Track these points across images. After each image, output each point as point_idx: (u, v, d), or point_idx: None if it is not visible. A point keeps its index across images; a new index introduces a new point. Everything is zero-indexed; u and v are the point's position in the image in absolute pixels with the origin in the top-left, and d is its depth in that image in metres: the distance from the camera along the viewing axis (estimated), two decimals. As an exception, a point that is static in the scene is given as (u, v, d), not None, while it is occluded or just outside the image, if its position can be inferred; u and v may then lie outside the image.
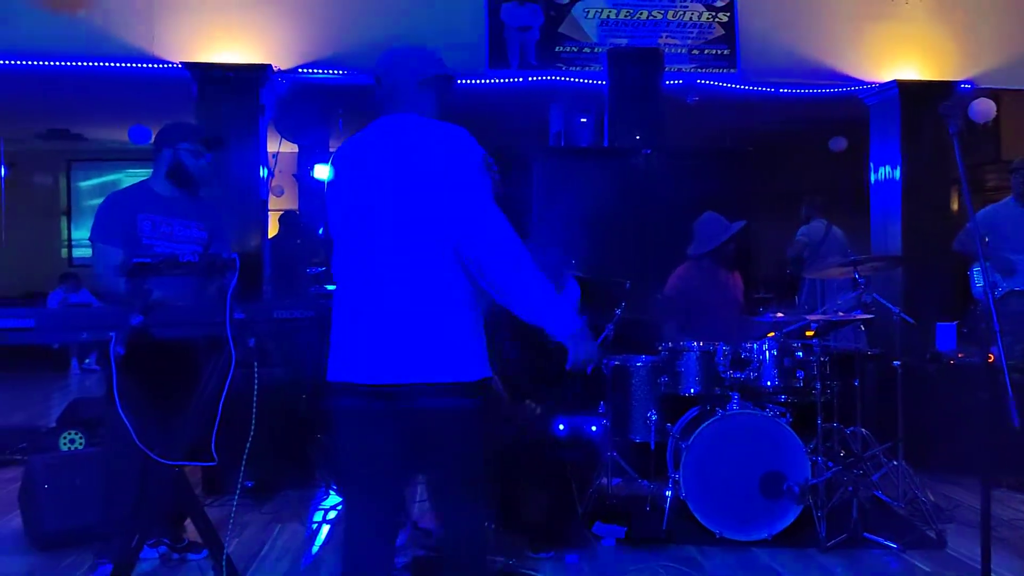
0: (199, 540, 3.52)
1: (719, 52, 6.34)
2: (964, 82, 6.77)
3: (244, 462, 3.18)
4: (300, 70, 6.02)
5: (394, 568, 2.60)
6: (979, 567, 2.59)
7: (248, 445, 3.18)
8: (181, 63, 5.84)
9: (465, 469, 2.35)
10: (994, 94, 7.19)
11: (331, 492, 4.72)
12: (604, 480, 4.34)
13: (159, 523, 3.59)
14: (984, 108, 7.20)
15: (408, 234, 2.27)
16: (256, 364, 3.14)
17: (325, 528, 4.19)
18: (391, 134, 2.39)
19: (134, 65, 5.86)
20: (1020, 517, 4.26)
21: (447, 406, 2.26)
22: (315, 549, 3.91)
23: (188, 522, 3.60)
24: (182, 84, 5.95)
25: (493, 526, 2.57)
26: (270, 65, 5.91)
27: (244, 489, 4.54)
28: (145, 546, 3.51)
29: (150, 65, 5.88)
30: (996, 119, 7.55)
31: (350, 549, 2.43)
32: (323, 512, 4.45)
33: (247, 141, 5.88)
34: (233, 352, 2.98)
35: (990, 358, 2.53)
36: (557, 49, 6.15)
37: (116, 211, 3.55)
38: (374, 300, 2.30)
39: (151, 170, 3.69)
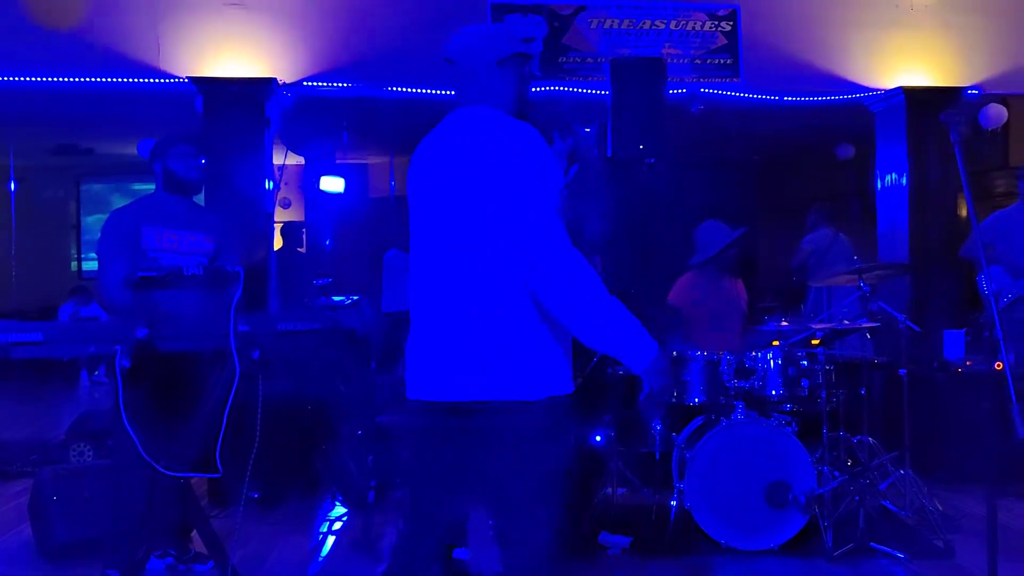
0: (205, 551, 3.53)
1: (722, 61, 6.35)
2: (971, 88, 6.76)
3: (249, 474, 3.21)
4: (305, 83, 6.06)
5: None
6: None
7: (253, 457, 3.20)
8: (188, 77, 5.88)
9: (523, 493, 2.19)
10: (1002, 99, 7.17)
11: (336, 503, 4.73)
12: (609, 490, 4.34)
13: (165, 534, 3.61)
14: (995, 113, 7.18)
15: (467, 245, 2.15)
16: (260, 376, 3.16)
17: (330, 539, 4.19)
18: (456, 135, 2.27)
19: (141, 80, 5.91)
20: (1029, 526, 4.24)
21: (503, 425, 2.14)
22: (320, 560, 3.91)
23: (194, 533, 3.62)
24: (189, 98, 5.99)
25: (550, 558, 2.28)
26: (275, 79, 5.96)
27: (249, 500, 4.58)
28: (152, 557, 3.54)
29: (157, 80, 5.92)
30: (1004, 124, 7.52)
31: (399, 565, 2.35)
32: (328, 523, 4.46)
33: (253, 154, 5.92)
34: (237, 364, 3.00)
35: (997, 366, 2.51)
36: (560, 60, 6.17)
37: (121, 225, 3.59)
38: (435, 313, 2.21)
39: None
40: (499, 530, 2.31)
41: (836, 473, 4.06)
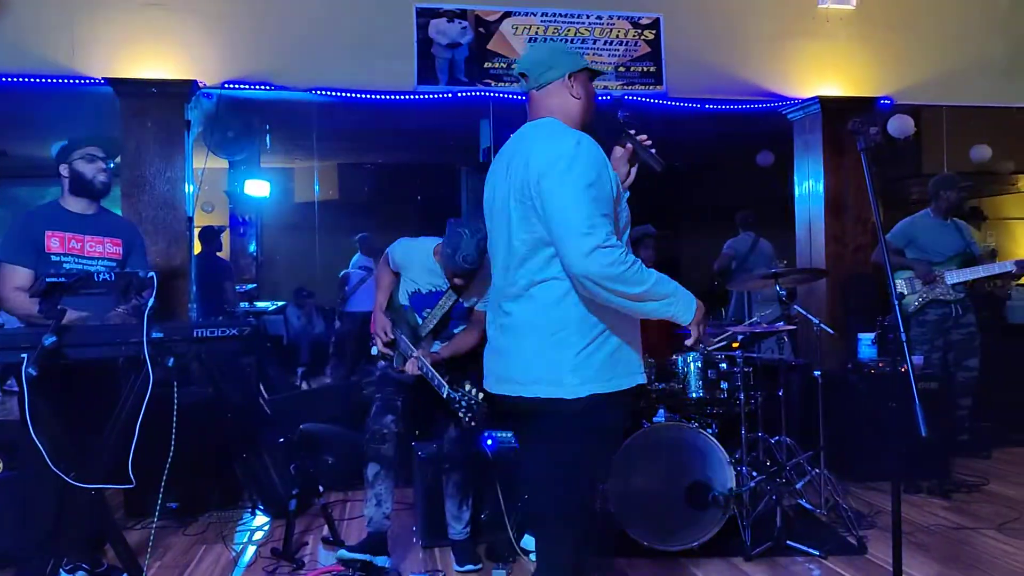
0: (119, 564, 3.43)
1: (645, 69, 6.44)
2: (883, 98, 6.99)
3: (164, 484, 3.13)
4: (227, 85, 5.95)
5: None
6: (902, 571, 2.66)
7: (168, 466, 3.12)
8: (103, 78, 5.72)
9: (552, 490, 2.35)
10: (914, 110, 7.44)
11: (257, 512, 4.65)
12: (534, 494, 4.35)
13: (77, 547, 3.50)
14: (902, 124, 7.44)
15: (516, 252, 2.34)
16: (176, 384, 3.09)
17: (251, 549, 4.11)
18: (522, 145, 2.40)
19: (53, 80, 5.72)
20: (938, 522, 4.39)
21: (539, 423, 2.34)
22: (240, 570, 3.84)
23: (108, 546, 3.51)
24: (105, 99, 5.83)
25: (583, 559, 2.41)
26: (196, 80, 5.83)
27: (168, 511, 4.48)
28: (62, 571, 3.43)
29: (70, 80, 5.74)
30: (916, 134, 7.80)
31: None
32: (248, 533, 4.38)
33: (172, 157, 5.78)
34: (151, 372, 2.93)
35: (903, 368, 2.59)
36: (486, 65, 6.18)
37: (24, 230, 3.49)
38: (494, 314, 2.48)
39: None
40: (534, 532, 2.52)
41: (754, 473, 4.14)
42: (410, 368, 3.65)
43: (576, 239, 2.17)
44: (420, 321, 3.79)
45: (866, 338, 5.27)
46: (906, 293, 5.58)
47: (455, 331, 3.85)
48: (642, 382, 2.41)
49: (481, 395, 3.35)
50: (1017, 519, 4.39)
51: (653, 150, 2.47)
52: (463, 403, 3.37)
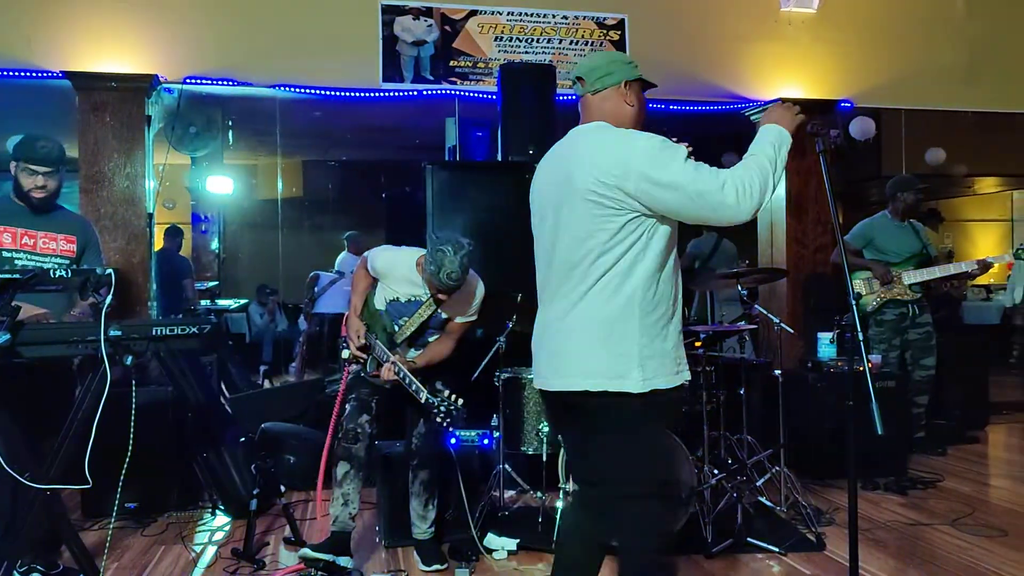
0: (75, 566, 3.38)
1: (609, 71, 6.47)
2: (844, 101, 7.09)
3: (121, 484, 3.09)
4: (189, 80, 5.87)
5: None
6: (859, 567, 2.70)
7: (125, 466, 3.08)
8: (61, 71, 5.62)
9: (627, 478, 2.43)
10: (873, 113, 7.55)
11: (217, 512, 4.60)
12: (496, 492, 4.36)
13: (31, 548, 3.44)
14: (864, 127, 7.56)
15: (576, 252, 2.41)
16: (134, 382, 3.05)
17: (211, 549, 4.07)
18: (576, 147, 2.50)
19: (9, 73, 5.60)
20: (895, 518, 4.46)
21: (605, 416, 2.42)
22: (200, 571, 3.79)
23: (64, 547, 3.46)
24: (64, 94, 5.73)
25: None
26: (157, 75, 5.75)
27: (127, 511, 4.42)
28: (16, 572, 3.37)
29: (27, 73, 5.64)
30: (876, 136, 7.92)
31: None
32: (208, 533, 4.33)
33: (132, 152, 5.70)
34: (108, 371, 2.88)
35: (859, 368, 2.63)
36: (452, 63, 6.17)
37: None
38: (547, 313, 2.55)
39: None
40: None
41: (716, 471, 4.18)
42: (386, 374, 3.64)
43: (720, 208, 2.30)
44: (396, 328, 3.79)
45: (825, 337, 5.34)
46: (864, 293, 5.66)
47: (430, 339, 3.85)
48: (688, 379, 2.53)
49: (461, 400, 3.38)
50: (970, 515, 4.48)
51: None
52: (442, 408, 3.37)
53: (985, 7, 7.48)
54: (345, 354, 3.89)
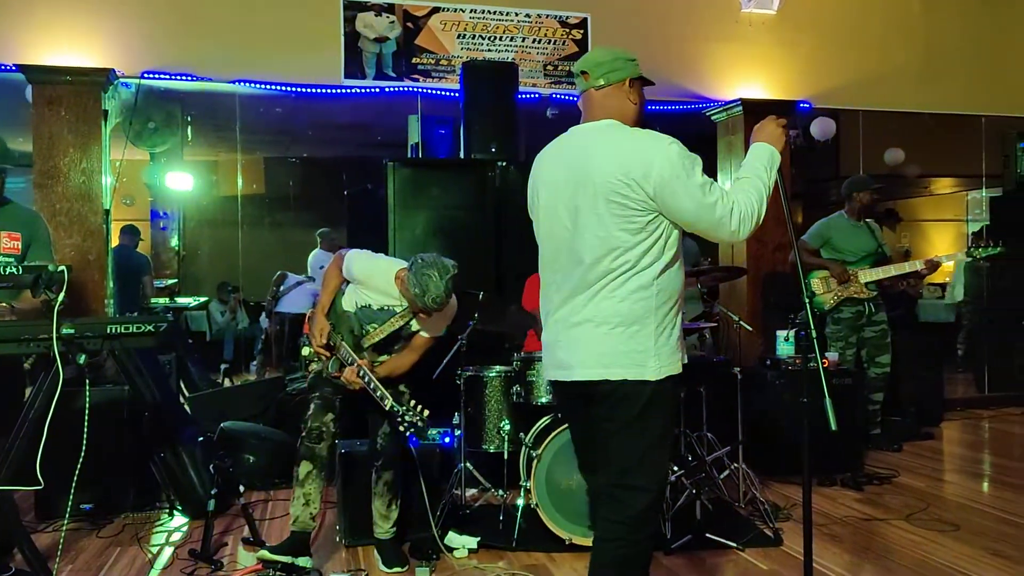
0: (27, 568, 3.32)
1: (571, 72, 6.49)
2: (803, 102, 7.18)
3: (75, 484, 3.04)
4: (147, 75, 5.79)
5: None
6: (813, 562, 2.74)
7: (79, 467, 3.03)
8: (15, 64, 5.52)
9: (643, 462, 2.52)
10: (832, 113, 7.66)
11: (175, 513, 4.54)
12: (458, 491, 4.35)
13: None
14: (824, 127, 7.65)
15: (592, 249, 2.48)
16: (88, 381, 3.01)
17: (167, 551, 4.02)
18: (582, 143, 2.57)
19: (-39, 65, 5.51)
20: (851, 514, 4.52)
21: (623, 403, 2.50)
22: (155, 573, 3.74)
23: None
24: (17, 87, 5.63)
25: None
26: (113, 69, 5.67)
27: (81, 512, 4.34)
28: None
29: (-21, 66, 5.54)
30: (835, 137, 8.03)
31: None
32: (166, 534, 4.27)
33: (89, 148, 5.61)
34: (61, 369, 2.84)
35: (825, 363, 2.68)
36: (414, 60, 6.15)
37: None
38: (558, 308, 2.60)
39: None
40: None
41: (675, 468, 4.21)
42: (349, 376, 3.61)
43: (721, 228, 2.44)
44: (365, 332, 3.76)
45: (783, 335, 5.40)
46: (821, 291, 5.74)
47: (394, 348, 3.83)
48: (686, 362, 2.64)
49: (427, 412, 3.36)
50: (924, 510, 4.55)
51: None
52: (407, 419, 3.34)
53: (940, 11, 7.63)
54: (305, 351, 3.84)
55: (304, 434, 3.75)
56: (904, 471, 5.40)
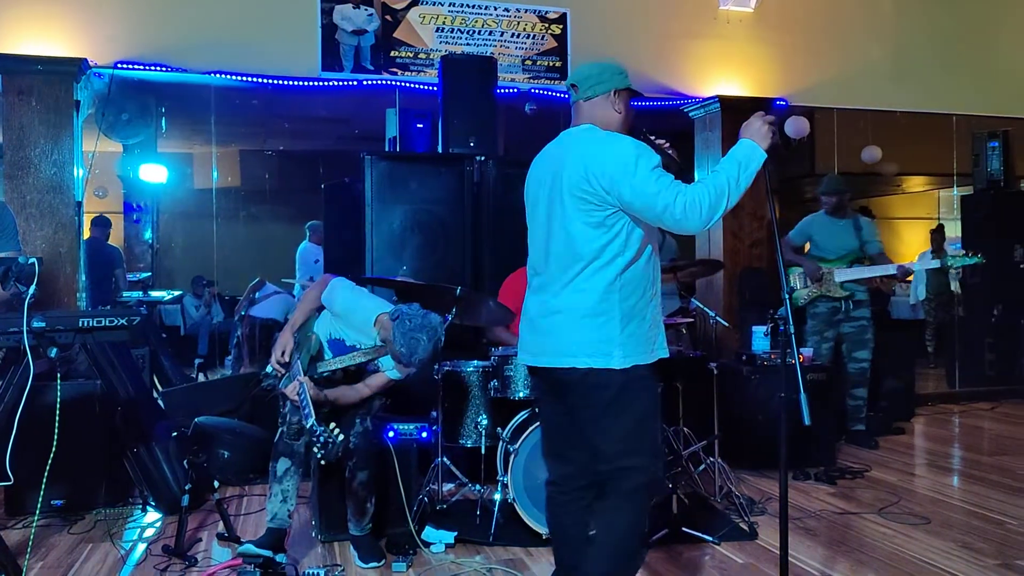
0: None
1: (552, 63, 6.49)
2: (779, 99, 7.22)
3: (46, 480, 3.01)
4: (120, 65, 5.72)
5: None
6: (788, 556, 2.76)
7: (50, 462, 3.00)
8: (-16, 54, 5.44)
9: (619, 449, 2.65)
10: (808, 111, 7.71)
11: (148, 508, 4.50)
12: (435, 486, 4.34)
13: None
14: (798, 125, 7.70)
15: (566, 244, 2.65)
16: (60, 375, 2.97)
17: (141, 547, 3.97)
18: (566, 146, 2.74)
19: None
20: (825, 507, 4.57)
21: (590, 391, 2.65)
22: (129, 569, 3.70)
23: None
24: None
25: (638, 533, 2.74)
26: (86, 59, 5.59)
27: (52, 508, 4.29)
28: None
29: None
30: (810, 135, 8.09)
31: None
32: (139, 530, 4.23)
33: (60, 139, 5.53)
34: (31, 363, 2.80)
35: (800, 358, 2.70)
36: (392, 53, 6.12)
37: None
38: (537, 296, 2.79)
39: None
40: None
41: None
42: (291, 390, 3.57)
43: (667, 217, 2.52)
44: (326, 357, 3.75)
45: (759, 330, 5.44)
46: (798, 287, 5.79)
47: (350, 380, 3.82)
48: (666, 355, 2.77)
49: (341, 438, 3.29)
50: (896, 503, 4.61)
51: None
52: (322, 439, 3.25)
53: (912, 11, 7.70)
54: (268, 368, 3.84)
55: (284, 430, 3.73)
56: (876, 465, 5.46)
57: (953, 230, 9.60)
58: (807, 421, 2.51)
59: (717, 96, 6.86)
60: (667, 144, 2.76)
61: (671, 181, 2.55)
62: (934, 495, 4.84)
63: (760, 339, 5.40)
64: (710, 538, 4.00)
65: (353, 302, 3.72)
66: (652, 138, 2.78)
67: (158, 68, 5.78)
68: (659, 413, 2.80)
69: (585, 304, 2.62)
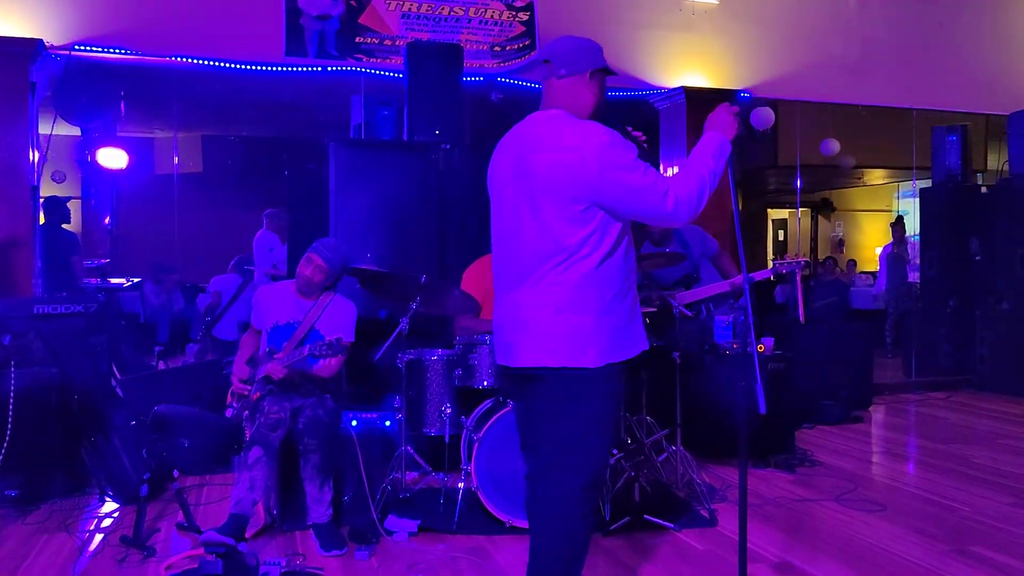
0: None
1: (520, 47, 6.47)
2: (743, 91, 7.27)
3: (1, 470, 2.95)
4: (77, 47, 5.60)
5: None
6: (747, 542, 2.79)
7: (3, 451, 2.94)
8: (-66, 33, 5.30)
9: (577, 448, 2.54)
10: (772, 103, 7.78)
11: (106, 498, 4.44)
12: (398, 474, 4.33)
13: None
14: (763, 116, 7.77)
15: (536, 238, 2.51)
16: (13, 363, 2.91)
17: (98, 537, 3.92)
18: (533, 132, 2.56)
19: None
20: (784, 495, 4.63)
21: (563, 389, 2.52)
22: (86, 559, 3.65)
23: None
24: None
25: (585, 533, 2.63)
26: (42, 40, 5.46)
27: (6, 498, 4.21)
28: None
29: None
30: (773, 127, 8.17)
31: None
32: (96, 520, 4.17)
33: (14, 122, 5.41)
34: (-15, 351, 2.75)
35: (760, 348, 2.71)
36: (357, 40, 6.06)
37: None
38: (508, 293, 2.62)
39: None
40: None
41: (615, 451, 4.25)
42: (275, 372, 3.88)
43: (656, 211, 2.46)
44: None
45: (721, 321, 5.47)
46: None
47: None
48: (645, 348, 2.63)
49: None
50: (853, 491, 4.68)
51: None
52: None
53: (876, 6, 7.79)
54: (228, 413, 4.08)
55: (262, 419, 3.78)
56: (834, 453, 5.55)
57: (911, 223, 9.76)
58: (763, 410, 2.53)
59: (682, 87, 6.90)
60: (644, 138, 2.67)
61: (657, 174, 2.47)
62: (890, 482, 4.93)
63: (722, 329, 5.44)
64: (671, 525, 4.03)
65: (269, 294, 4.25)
66: (629, 130, 2.66)
67: (118, 51, 5.67)
68: (620, 412, 2.77)
69: (561, 299, 2.48)
